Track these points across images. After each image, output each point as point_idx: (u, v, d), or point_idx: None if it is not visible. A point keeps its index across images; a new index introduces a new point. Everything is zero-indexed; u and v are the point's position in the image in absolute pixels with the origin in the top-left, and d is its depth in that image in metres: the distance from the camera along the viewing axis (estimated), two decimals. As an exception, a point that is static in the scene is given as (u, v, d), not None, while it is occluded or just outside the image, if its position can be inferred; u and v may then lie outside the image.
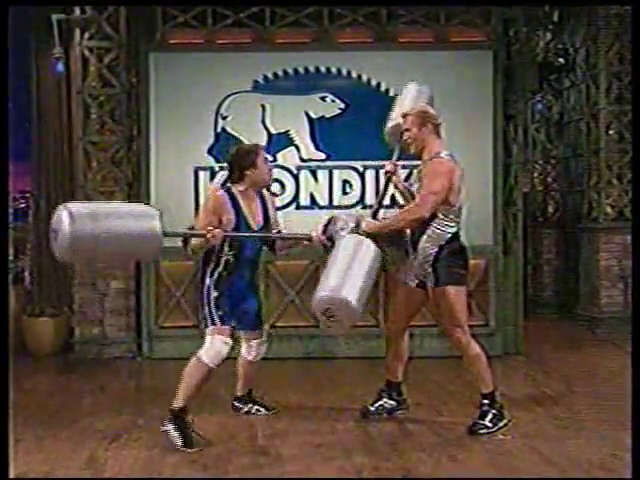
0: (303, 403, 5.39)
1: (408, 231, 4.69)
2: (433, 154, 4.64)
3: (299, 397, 5.56)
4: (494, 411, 4.60)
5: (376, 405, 4.96)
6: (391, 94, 6.89)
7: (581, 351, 7.28)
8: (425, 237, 4.61)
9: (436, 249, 4.60)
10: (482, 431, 4.54)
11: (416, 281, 4.71)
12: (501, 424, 4.59)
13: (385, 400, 4.96)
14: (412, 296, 4.77)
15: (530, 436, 4.53)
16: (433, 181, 4.52)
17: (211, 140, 6.94)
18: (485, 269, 6.92)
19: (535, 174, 10.12)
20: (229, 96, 6.95)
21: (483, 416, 4.59)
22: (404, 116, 4.74)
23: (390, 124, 5.07)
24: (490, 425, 4.57)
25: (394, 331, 4.92)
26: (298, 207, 6.95)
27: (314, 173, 6.95)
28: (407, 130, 4.70)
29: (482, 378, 4.67)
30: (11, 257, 10.67)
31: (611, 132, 8.20)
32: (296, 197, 6.96)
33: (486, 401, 4.62)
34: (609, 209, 8.18)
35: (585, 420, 4.90)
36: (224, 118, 6.94)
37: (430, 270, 4.61)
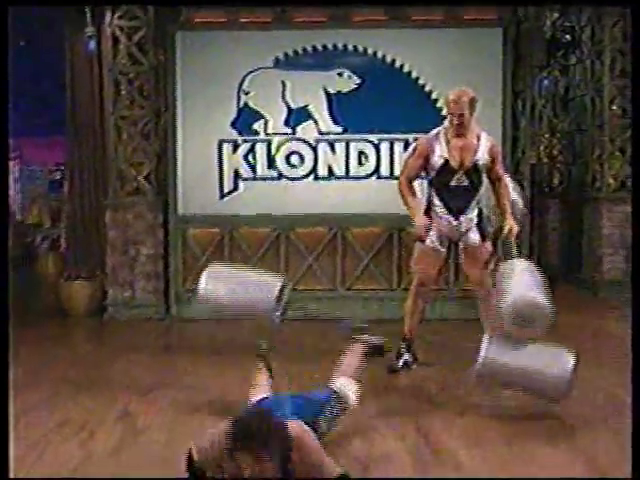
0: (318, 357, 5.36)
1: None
2: (486, 137, 4.88)
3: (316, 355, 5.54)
4: None
5: (401, 361, 5.04)
6: (405, 70, 6.85)
7: (583, 313, 7.21)
8: (474, 203, 4.89)
9: (477, 211, 4.92)
10: None
11: (447, 244, 4.95)
12: None
13: (406, 353, 5.07)
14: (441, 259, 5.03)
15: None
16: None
17: (234, 114, 6.89)
18: (494, 237, 6.84)
19: (541, 147, 10.01)
20: (251, 72, 6.89)
21: None
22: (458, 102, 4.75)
23: None
24: None
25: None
26: (316, 178, 6.92)
27: (332, 145, 6.89)
28: (463, 114, 4.73)
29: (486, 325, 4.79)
30: (48, 225, 10.78)
31: (614, 107, 8.07)
32: (314, 168, 6.92)
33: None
34: (612, 180, 8.07)
35: (585, 373, 4.84)
36: (246, 94, 6.89)
37: (475, 229, 4.90)
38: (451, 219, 4.86)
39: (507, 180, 5.11)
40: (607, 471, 3.36)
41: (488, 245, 5.02)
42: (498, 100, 6.89)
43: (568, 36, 9.19)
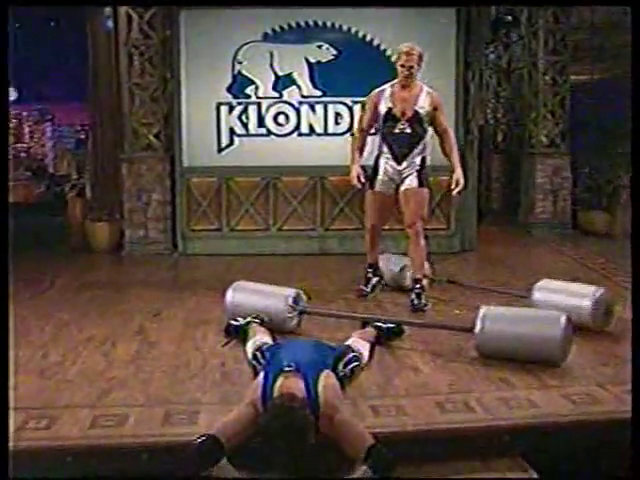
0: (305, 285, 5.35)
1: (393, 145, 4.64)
2: (427, 91, 4.61)
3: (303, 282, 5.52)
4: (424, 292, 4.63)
5: (369, 285, 4.92)
6: (374, 44, 6.71)
7: (520, 248, 7.27)
8: (417, 151, 4.62)
9: (420, 160, 4.64)
10: (425, 307, 4.53)
11: (394, 187, 4.67)
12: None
13: (373, 278, 4.93)
14: (390, 201, 4.75)
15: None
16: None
17: (229, 81, 6.73)
18: (448, 184, 6.74)
19: (488, 111, 9.97)
20: (244, 45, 6.70)
21: (419, 296, 4.57)
22: (410, 54, 4.48)
23: None
24: (425, 302, 4.56)
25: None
26: (300, 135, 6.79)
27: (312, 107, 6.74)
28: (412, 67, 4.48)
29: (422, 265, 4.67)
30: (75, 176, 10.62)
31: (547, 77, 7.98)
32: (298, 126, 6.78)
33: (418, 285, 4.59)
34: (544, 138, 8.01)
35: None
36: (240, 63, 6.71)
37: (415, 174, 4.62)
38: (394, 164, 4.63)
39: (450, 134, 4.74)
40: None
41: (425, 191, 4.68)
42: (452, 70, 6.76)
43: (510, 17, 9.12)
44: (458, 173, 4.64)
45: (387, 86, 4.65)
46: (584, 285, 4.28)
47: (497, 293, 4.77)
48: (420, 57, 4.50)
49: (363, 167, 4.77)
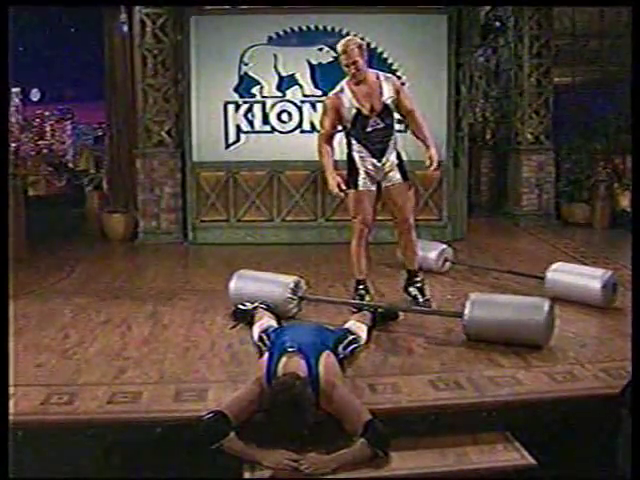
0: (306, 273, 5.33)
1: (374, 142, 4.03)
2: (384, 77, 4.04)
3: (304, 270, 5.51)
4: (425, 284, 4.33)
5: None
6: (372, 46, 6.61)
7: (507, 237, 7.22)
8: (392, 143, 4.09)
9: (396, 153, 4.13)
10: (430, 302, 4.24)
11: (375, 184, 4.11)
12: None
13: (366, 295, 4.28)
14: (374, 198, 4.17)
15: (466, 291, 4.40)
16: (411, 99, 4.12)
17: (236, 81, 6.67)
18: (440, 178, 6.76)
19: (477, 109, 9.90)
20: (250, 48, 6.64)
21: (422, 290, 4.27)
22: (347, 51, 3.88)
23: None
24: (429, 296, 4.28)
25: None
26: (302, 131, 6.72)
27: (313, 106, 6.66)
28: (356, 61, 3.88)
29: (415, 259, 4.30)
30: (93, 171, 10.56)
31: (532, 79, 7.88)
32: (300, 124, 6.72)
33: (418, 278, 4.28)
34: (529, 136, 7.93)
35: (509, 279, 4.90)
36: (246, 64, 6.66)
37: (397, 169, 4.09)
38: (374, 161, 4.03)
39: (422, 119, 4.11)
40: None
41: (409, 184, 4.17)
42: (444, 72, 6.69)
43: (498, 23, 9.03)
44: (432, 151, 4.01)
45: (343, 86, 4.03)
46: (593, 268, 4.46)
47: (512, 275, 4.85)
48: (360, 47, 3.90)
49: (339, 174, 4.10)
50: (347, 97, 3.99)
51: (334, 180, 4.00)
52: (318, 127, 4.21)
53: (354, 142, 4.08)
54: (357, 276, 4.26)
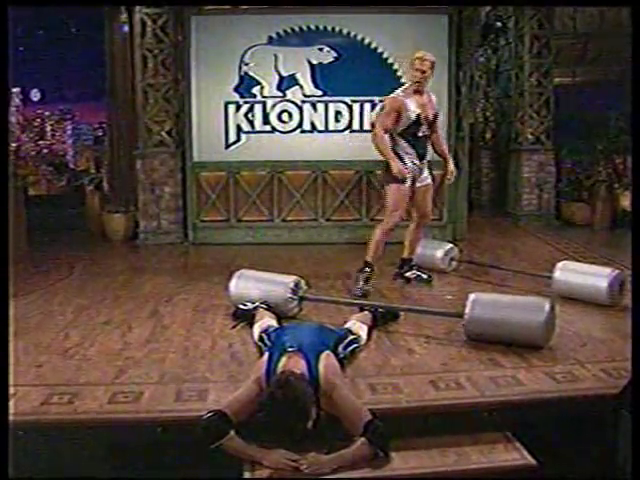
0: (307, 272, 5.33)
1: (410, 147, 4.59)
2: (429, 93, 4.66)
3: (305, 270, 5.51)
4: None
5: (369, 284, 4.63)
6: (372, 47, 6.67)
7: (507, 237, 7.21)
8: (429, 150, 4.73)
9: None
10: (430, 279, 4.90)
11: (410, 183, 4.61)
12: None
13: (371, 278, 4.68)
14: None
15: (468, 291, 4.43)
16: None
17: (236, 81, 6.67)
18: (442, 178, 6.77)
19: (477, 109, 9.90)
20: (250, 48, 6.64)
21: (421, 269, 4.95)
22: (424, 60, 4.44)
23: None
24: (429, 275, 4.93)
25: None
26: (302, 131, 6.73)
27: (314, 106, 6.69)
28: (425, 72, 4.44)
29: (415, 247, 4.93)
30: (93, 171, 10.56)
31: (532, 79, 7.89)
32: (300, 124, 6.73)
33: (412, 262, 4.93)
34: (530, 136, 7.94)
35: (508, 277, 4.93)
36: (246, 64, 6.66)
37: (428, 171, 4.73)
38: (418, 162, 4.59)
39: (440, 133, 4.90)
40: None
41: (433, 184, 4.86)
42: (445, 72, 6.66)
43: (498, 23, 9.06)
44: (451, 166, 4.79)
45: (402, 92, 4.53)
46: (601, 267, 4.45)
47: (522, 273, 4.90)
48: (433, 64, 4.46)
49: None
50: (412, 102, 4.47)
51: (400, 166, 4.47)
52: (376, 124, 4.56)
53: (405, 144, 4.55)
54: (370, 259, 4.63)
